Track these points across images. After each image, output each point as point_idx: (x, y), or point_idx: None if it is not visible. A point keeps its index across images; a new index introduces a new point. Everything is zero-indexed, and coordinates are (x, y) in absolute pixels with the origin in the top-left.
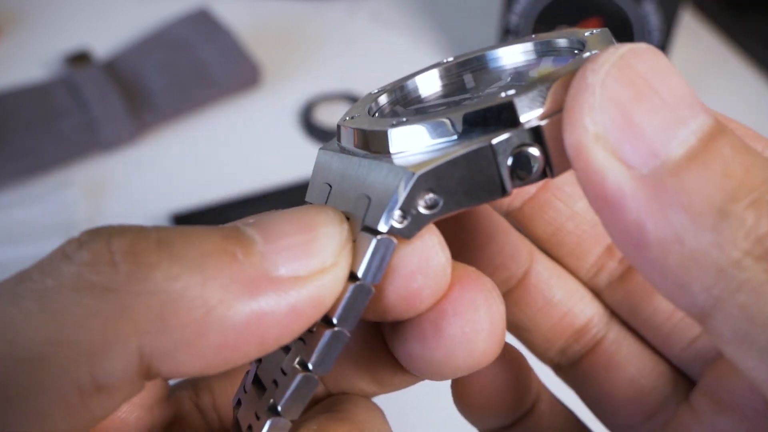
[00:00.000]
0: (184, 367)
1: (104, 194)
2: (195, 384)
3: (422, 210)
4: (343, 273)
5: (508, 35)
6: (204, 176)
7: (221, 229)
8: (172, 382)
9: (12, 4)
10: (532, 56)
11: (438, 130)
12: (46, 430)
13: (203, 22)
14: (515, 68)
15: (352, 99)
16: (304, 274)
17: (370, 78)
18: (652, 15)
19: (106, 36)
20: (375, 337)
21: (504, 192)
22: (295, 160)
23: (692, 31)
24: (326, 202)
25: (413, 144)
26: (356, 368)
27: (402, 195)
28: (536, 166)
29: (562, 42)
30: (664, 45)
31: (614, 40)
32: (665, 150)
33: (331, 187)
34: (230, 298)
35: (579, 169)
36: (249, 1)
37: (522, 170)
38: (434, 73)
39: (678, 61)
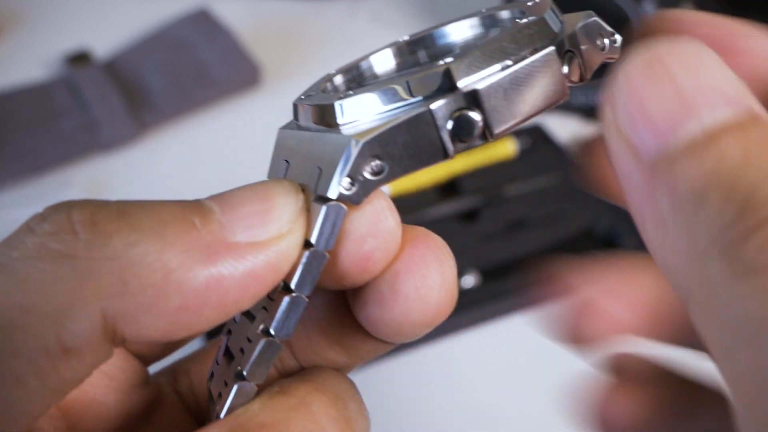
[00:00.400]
0: (147, 330)
1: (104, 194)
2: (173, 369)
3: (369, 176)
4: (297, 240)
5: None
6: (204, 176)
7: (181, 202)
8: (152, 370)
9: (12, 4)
10: (480, 29)
11: (383, 98)
12: (20, 395)
13: (203, 22)
14: (465, 42)
15: None
16: (260, 239)
17: None
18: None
19: (106, 36)
20: (341, 307)
21: (446, 155)
22: None
23: None
24: (285, 177)
25: (361, 114)
26: (325, 339)
27: (349, 163)
28: (476, 130)
29: (505, 13)
30: None
31: (554, 7)
32: (669, 138)
33: (288, 163)
34: (189, 263)
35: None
36: (249, 1)
37: (462, 133)
38: (388, 52)
39: None
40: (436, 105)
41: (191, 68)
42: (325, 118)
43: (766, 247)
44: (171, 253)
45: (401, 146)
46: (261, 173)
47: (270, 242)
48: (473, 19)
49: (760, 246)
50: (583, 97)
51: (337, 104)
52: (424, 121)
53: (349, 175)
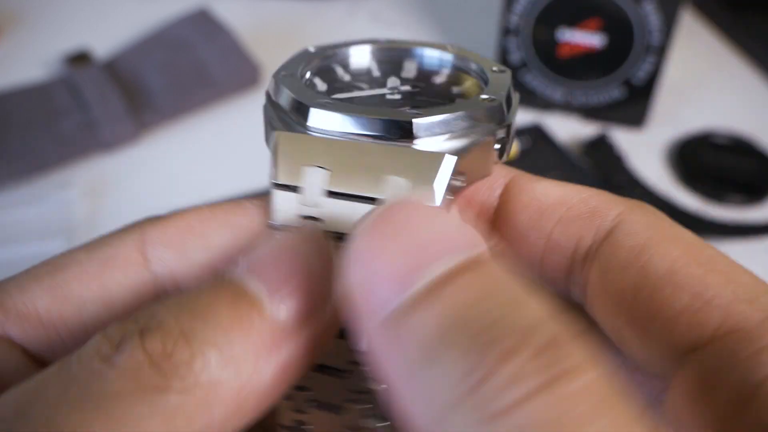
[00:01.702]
0: None
1: (104, 194)
2: None
3: (455, 183)
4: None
5: (508, 35)
6: (204, 176)
7: (226, 292)
8: None
9: (12, 4)
10: (447, 66)
11: (449, 121)
12: None
13: (203, 22)
14: (429, 70)
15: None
16: (310, 312)
17: None
18: (652, 15)
19: (106, 36)
20: None
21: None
22: None
23: (692, 31)
24: (329, 187)
25: (430, 132)
26: None
27: (446, 176)
28: None
29: (475, 66)
30: (664, 45)
31: (511, 86)
32: (398, 295)
33: (327, 169)
34: (259, 365)
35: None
36: (249, 1)
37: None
38: (366, 50)
39: (678, 61)
40: (499, 132)
41: (191, 68)
42: (392, 132)
43: (509, 384)
44: (243, 364)
45: (470, 162)
46: (261, 173)
47: (317, 311)
48: (449, 55)
49: (502, 385)
50: (583, 97)
51: (415, 122)
52: (489, 144)
53: (445, 188)
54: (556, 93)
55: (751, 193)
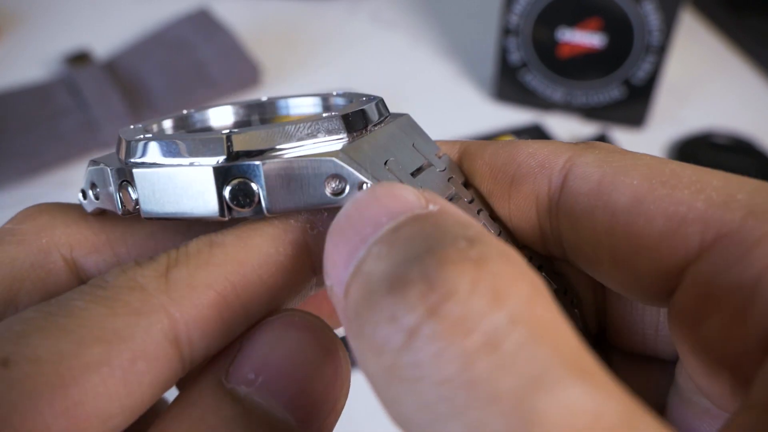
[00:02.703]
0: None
1: None
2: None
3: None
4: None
5: (508, 35)
6: None
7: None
8: None
9: (12, 4)
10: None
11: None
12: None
13: (203, 22)
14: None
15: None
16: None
17: (370, 78)
18: (652, 15)
19: (106, 36)
20: None
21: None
22: None
23: (692, 31)
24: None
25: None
26: None
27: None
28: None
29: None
30: (664, 45)
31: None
32: (343, 279)
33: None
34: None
35: None
36: (249, 1)
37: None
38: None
39: (678, 61)
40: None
41: (191, 68)
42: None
43: (390, 329)
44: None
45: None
46: None
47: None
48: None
49: (385, 332)
50: (583, 97)
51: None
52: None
53: None
54: (556, 93)
55: None
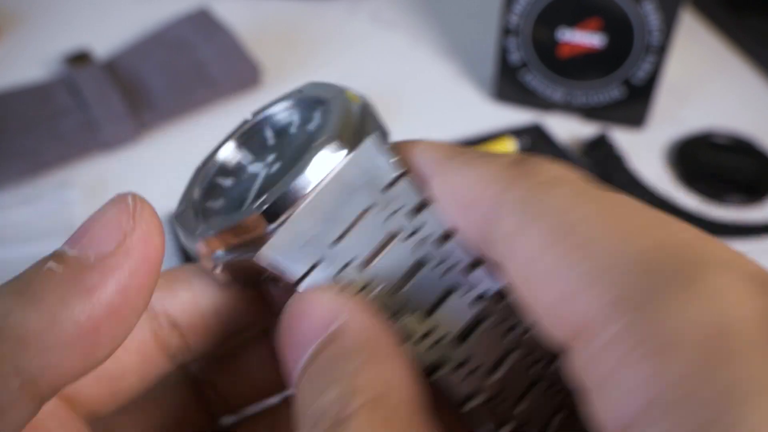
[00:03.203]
0: (63, 378)
1: (104, 194)
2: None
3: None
4: (141, 232)
5: (508, 35)
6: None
7: (39, 263)
8: None
9: (12, 4)
10: (294, 114)
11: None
12: None
13: (203, 22)
14: (282, 127)
15: None
16: (109, 251)
17: (370, 78)
18: (651, 15)
19: (106, 36)
20: None
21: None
22: None
23: (692, 31)
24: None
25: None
26: None
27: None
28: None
29: (321, 96)
30: (664, 45)
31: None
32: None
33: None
34: (69, 308)
35: None
36: (249, 1)
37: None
38: (231, 148)
39: (678, 61)
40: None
41: (191, 68)
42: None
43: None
44: (45, 311)
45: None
46: None
47: (119, 246)
48: (288, 101)
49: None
50: (583, 97)
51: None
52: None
53: None
54: (556, 93)
55: (751, 193)
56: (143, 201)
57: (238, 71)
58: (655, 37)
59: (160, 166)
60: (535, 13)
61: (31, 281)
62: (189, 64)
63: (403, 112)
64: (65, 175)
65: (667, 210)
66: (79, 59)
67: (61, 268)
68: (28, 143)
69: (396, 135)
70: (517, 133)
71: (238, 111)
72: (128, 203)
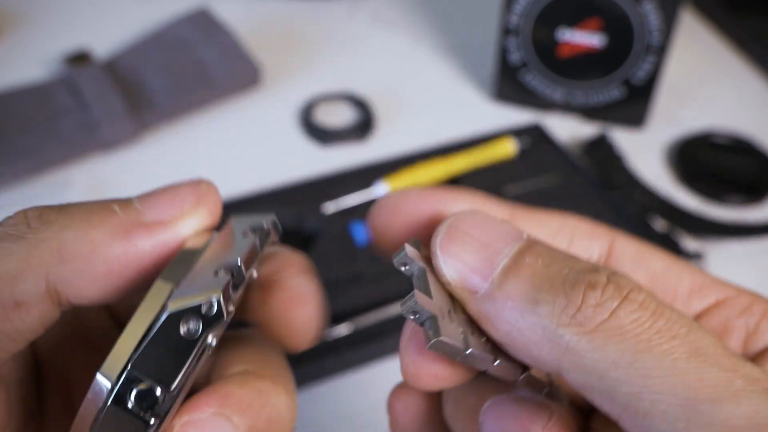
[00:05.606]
0: (85, 291)
1: (104, 194)
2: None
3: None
4: (197, 221)
5: (508, 35)
6: (204, 176)
7: (112, 199)
8: None
9: (12, 4)
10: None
11: None
12: None
13: (203, 22)
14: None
15: (352, 99)
16: (165, 218)
17: (370, 78)
18: (651, 15)
19: (106, 36)
20: None
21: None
22: (295, 160)
23: (692, 31)
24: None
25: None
26: None
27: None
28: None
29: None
30: (664, 45)
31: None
32: (489, 275)
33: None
34: (110, 239)
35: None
36: (249, 1)
37: None
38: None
39: (678, 61)
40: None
41: (191, 68)
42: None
43: (597, 308)
44: (95, 233)
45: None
46: (260, 173)
47: (173, 220)
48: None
49: (592, 310)
50: (583, 97)
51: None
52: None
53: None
54: (556, 93)
55: (751, 193)
56: (212, 194)
57: (238, 71)
58: (655, 37)
59: (160, 167)
60: (535, 13)
61: (96, 211)
62: (189, 64)
63: (403, 112)
64: (65, 175)
65: (667, 210)
66: (79, 59)
67: (121, 212)
68: (28, 143)
69: (396, 135)
70: (517, 133)
71: (238, 111)
72: (201, 191)
